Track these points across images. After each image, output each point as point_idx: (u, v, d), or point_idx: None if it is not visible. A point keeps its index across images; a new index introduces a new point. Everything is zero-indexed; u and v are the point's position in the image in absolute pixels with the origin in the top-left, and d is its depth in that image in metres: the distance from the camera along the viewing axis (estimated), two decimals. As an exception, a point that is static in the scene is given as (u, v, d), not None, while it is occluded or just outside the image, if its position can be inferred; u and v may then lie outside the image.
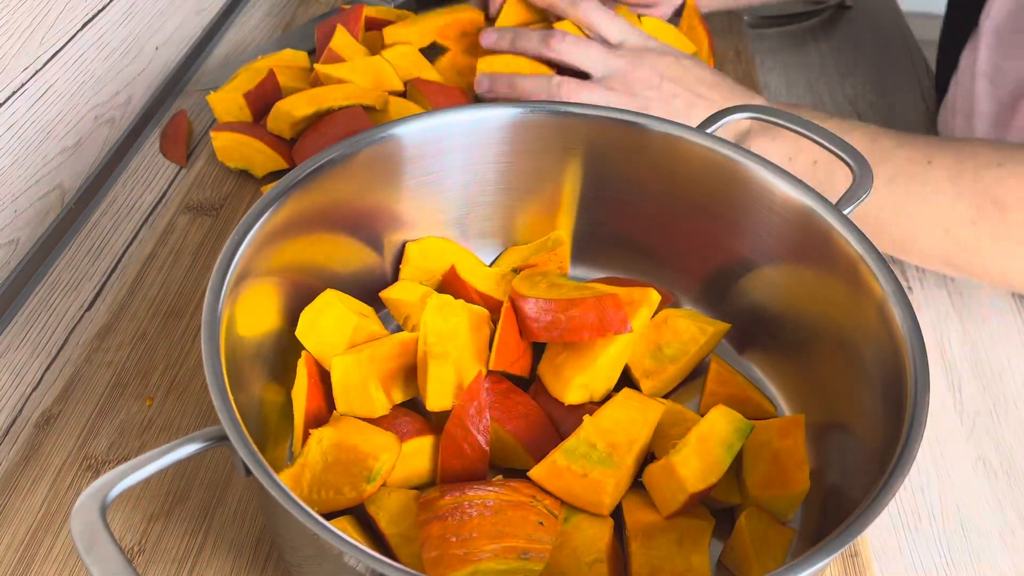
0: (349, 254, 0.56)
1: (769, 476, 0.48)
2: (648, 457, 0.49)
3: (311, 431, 0.47)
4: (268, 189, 0.49)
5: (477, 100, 0.78)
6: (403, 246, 0.58)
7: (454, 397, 0.49)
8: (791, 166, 0.64)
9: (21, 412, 0.57)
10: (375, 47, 0.80)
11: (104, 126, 0.75)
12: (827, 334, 0.52)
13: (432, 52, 0.80)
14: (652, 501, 0.47)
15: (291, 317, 0.51)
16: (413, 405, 0.51)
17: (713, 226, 0.57)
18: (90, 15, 0.71)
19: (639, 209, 0.59)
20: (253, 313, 0.47)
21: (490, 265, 0.61)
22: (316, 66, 0.74)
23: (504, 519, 0.43)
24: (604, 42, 0.72)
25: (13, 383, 0.58)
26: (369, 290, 0.56)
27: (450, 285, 0.57)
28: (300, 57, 0.80)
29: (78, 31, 0.70)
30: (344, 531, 0.35)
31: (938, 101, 0.83)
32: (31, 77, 0.65)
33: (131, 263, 0.67)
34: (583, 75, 0.71)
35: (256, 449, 0.37)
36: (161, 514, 0.51)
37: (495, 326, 0.52)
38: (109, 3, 0.74)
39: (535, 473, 0.47)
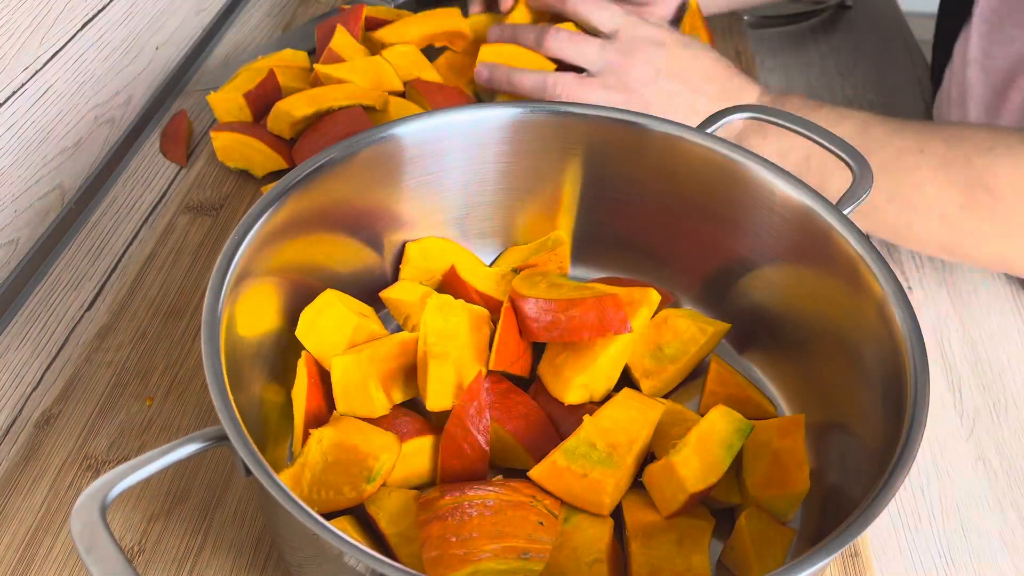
0: (349, 254, 0.56)
1: (769, 476, 0.48)
2: (648, 457, 0.49)
3: (311, 431, 0.47)
4: (268, 189, 0.49)
5: (477, 99, 0.78)
6: (403, 246, 0.58)
7: (454, 397, 0.49)
8: (784, 161, 0.65)
9: (21, 412, 0.57)
10: (375, 47, 0.80)
11: (104, 126, 0.75)
12: (827, 334, 0.52)
13: (431, 51, 0.80)
14: (652, 501, 0.47)
15: (291, 317, 0.51)
16: (413, 405, 0.51)
17: (713, 226, 0.57)
18: (90, 15, 0.71)
19: (639, 209, 0.59)
20: (253, 313, 0.47)
21: (490, 265, 0.61)
22: (316, 66, 0.74)
23: (504, 519, 0.43)
24: (599, 34, 0.72)
25: (13, 383, 0.58)
26: (369, 290, 0.56)
27: (450, 285, 0.57)
28: (300, 57, 0.80)
29: (78, 31, 0.70)
30: (344, 531, 0.35)
31: (934, 92, 0.83)
32: (31, 77, 0.65)
33: (131, 263, 0.67)
34: (582, 70, 0.71)
35: (256, 449, 0.37)
36: (161, 514, 0.51)
37: (495, 326, 0.52)
38: (109, 3, 0.74)
39: (535, 473, 0.47)
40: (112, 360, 0.60)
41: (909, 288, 0.68)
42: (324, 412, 0.50)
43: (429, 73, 0.76)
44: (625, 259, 0.61)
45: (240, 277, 0.45)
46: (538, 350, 0.53)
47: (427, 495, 0.45)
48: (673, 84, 0.69)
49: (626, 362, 0.53)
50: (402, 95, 0.75)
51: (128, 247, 0.68)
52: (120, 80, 0.77)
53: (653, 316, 0.54)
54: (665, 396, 0.54)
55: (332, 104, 0.70)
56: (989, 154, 0.58)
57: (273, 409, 0.50)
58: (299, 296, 0.51)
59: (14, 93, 0.63)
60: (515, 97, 0.73)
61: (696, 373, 0.56)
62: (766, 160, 0.53)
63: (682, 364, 0.54)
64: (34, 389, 0.58)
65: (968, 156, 0.58)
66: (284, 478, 0.44)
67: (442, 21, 0.80)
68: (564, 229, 0.61)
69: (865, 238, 0.49)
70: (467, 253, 0.60)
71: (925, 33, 0.97)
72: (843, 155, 0.54)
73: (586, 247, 0.61)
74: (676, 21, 0.85)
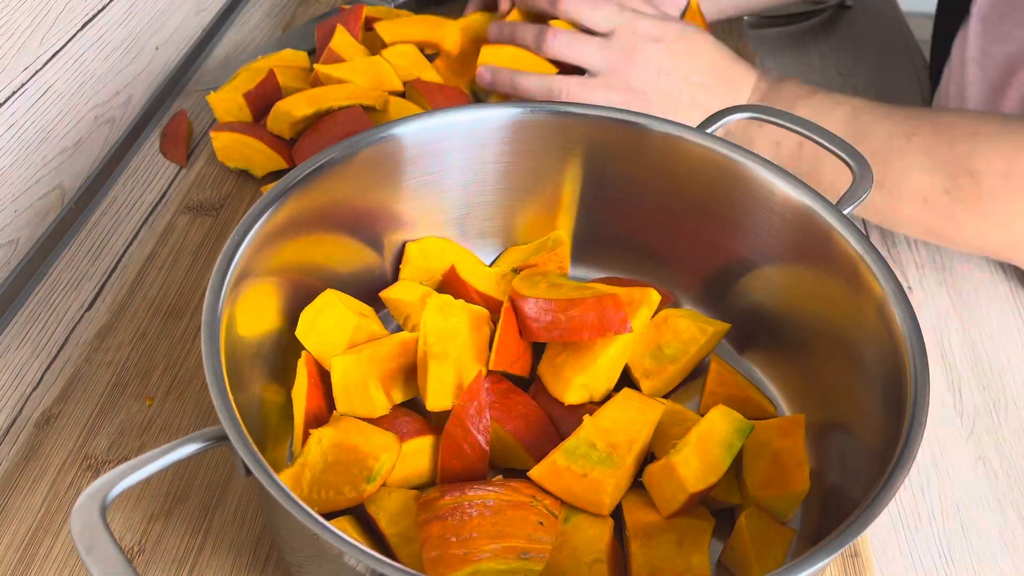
0: (349, 254, 0.56)
1: (769, 476, 0.48)
2: (648, 457, 0.49)
3: (311, 431, 0.47)
4: (268, 189, 0.49)
5: (476, 98, 0.78)
6: (403, 246, 0.58)
7: (454, 397, 0.49)
8: (778, 150, 0.66)
9: (21, 412, 0.57)
10: (375, 47, 0.80)
11: (104, 126, 0.75)
12: (827, 334, 0.52)
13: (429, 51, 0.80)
14: (652, 501, 0.47)
15: (291, 317, 0.51)
16: (413, 405, 0.51)
17: (713, 226, 0.57)
18: (90, 15, 0.72)
19: (639, 209, 0.59)
20: (253, 313, 0.47)
21: (490, 265, 0.61)
22: (316, 66, 0.74)
23: (504, 519, 0.43)
24: (596, 33, 0.72)
25: (13, 383, 0.58)
26: (369, 290, 0.56)
27: (450, 285, 0.57)
28: (300, 57, 0.80)
29: (78, 31, 0.70)
30: (344, 531, 0.35)
31: (933, 92, 0.83)
32: (31, 77, 0.65)
33: (131, 263, 0.67)
34: (583, 70, 0.71)
35: (256, 449, 0.37)
36: (161, 514, 0.51)
37: (495, 326, 0.52)
38: (109, 3, 0.74)
39: (535, 473, 0.47)
40: (112, 360, 0.60)
41: (909, 288, 0.68)
42: (324, 412, 0.50)
43: (429, 73, 0.76)
44: (625, 259, 0.61)
45: (240, 277, 0.45)
46: (538, 350, 0.53)
47: (427, 495, 0.45)
48: (674, 81, 0.69)
49: (626, 362, 0.53)
50: (402, 95, 0.75)
51: (128, 247, 0.68)
52: (120, 80, 0.77)
53: (653, 316, 0.54)
54: (665, 396, 0.54)
55: (332, 104, 0.70)
56: (972, 140, 0.59)
57: (273, 409, 0.50)
58: (299, 296, 0.51)
59: (14, 93, 0.63)
60: (511, 97, 0.73)
61: (696, 373, 0.56)
62: (766, 160, 0.53)
63: (682, 364, 0.54)
64: (34, 389, 0.58)
65: (952, 142, 0.60)
66: (284, 478, 0.44)
67: (427, 30, 0.80)
68: (564, 229, 0.61)
69: (865, 238, 0.49)
70: (467, 253, 0.60)
71: (925, 33, 0.97)
72: (843, 155, 0.54)
73: (586, 247, 0.61)
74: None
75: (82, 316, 0.63)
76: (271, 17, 0.96)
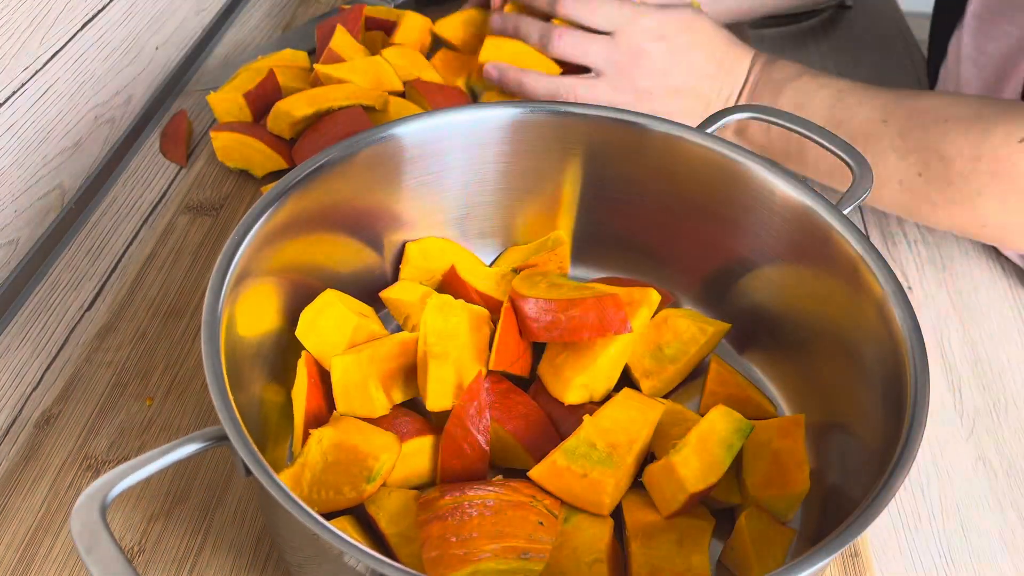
0: (349, 254, 0.56)
1: (769, 476, 0.48)
2: (648, 457, 0.49)
3: (311, 431, 0.47)
4: (268, 189, 0.49)
5: (472, 93, 0.78)
6: (403, 246, 0.58)
7: (454, 397, 0.49)
8: (768, 134, 0.67)
9: (21, 412, 0.57)
10: (375, 47, 0.80)
11: (104, 126, 0.75)
12: (827, 334, 0.52)
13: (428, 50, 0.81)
14: (652, 501, 0.47)
15: (291, 317, 0.51)
16: (413, 405, 0.51)
17: (713, 226, 0.57)
18: (90, 15, 0.71)
19: (639, 209, 0.59)
20: (253, 313, 0.47)
21: (490, 265, 0.61)
22: (316, 66, 0.74)
23: (504, 519, 0.43)
24: (598, 32, 0.72)
25: (13, 383, 0.58)
26: (369, 290, 0.56)
27: (450, 285, 0.57)
28: (300, 57, 0.80)
29: (78, 31, 0.70)
30: (344, 531, 0.35)
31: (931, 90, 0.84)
32: (31, 77, 0.65)
33: (131, 263, 0.67)
34: (587, 68, 0.72)
35: (256, 449, 0.37)
36: (161, 514, 0.51)
37: (495, 326, 0.52)
38: (109, 3, 0.74)
39: (535, 473, 0.47)
40: (112, 360, 0.60)
41: (909, 288, 0.68)
42: (324, 412, 0.50)
43: (429, 73, 0.76)
44: (625, 259, 0.61)
45: (240, 277, 0.45)
46: (538, 350, 0.53)
47: (427, 495, 0.45)
48: (679, 76, 0.69)
49: (626, 362, 0.53)
50: (402, 95, 0.75)
51: (128, 247, 0.68)
52: (120, 80, 0.77)
53: (653, 316, 0.54)
54: (665, 396, 0.54)
55: (332, 104, 0.70)
56: (944, 124, 0.60)
57: (273, 409, 0.50)
58: (299, 296, 0.51)
59: (14, 93, 0.63)
60: (507, 96, 0.73)
61: (696, 373, 0.56)
62: (766, 160, 0.53)
63: (682, 364, 0.54)
64: (34, 389, 0.58)
65: (926, 126, 0.61)
66: (284, 478, 0.44)
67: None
68: (564, 229, 0.61)
69: (865, 238, 0.49)
70: (467, 253, 0.60)
71: (925, 33, 0.97)
72: (843, 155, 0.54)
73: (586, 247, 0.61)
74: None
75: (82, 316, 0.63)
76: (271, 17, 0.96)
